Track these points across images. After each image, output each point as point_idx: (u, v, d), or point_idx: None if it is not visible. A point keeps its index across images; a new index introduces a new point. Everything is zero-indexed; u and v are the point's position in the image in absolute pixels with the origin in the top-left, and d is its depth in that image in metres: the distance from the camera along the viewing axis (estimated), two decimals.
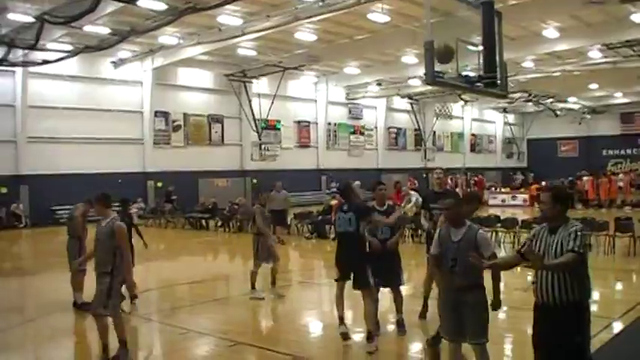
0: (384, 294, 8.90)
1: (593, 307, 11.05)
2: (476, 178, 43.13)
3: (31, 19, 23.02)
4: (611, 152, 55.73)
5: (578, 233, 5.03)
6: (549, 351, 5.26)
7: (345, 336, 8.43)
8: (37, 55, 26.38)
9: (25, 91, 28.80)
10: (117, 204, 9.93)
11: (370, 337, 8.03)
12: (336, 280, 8.37)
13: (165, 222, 28.83)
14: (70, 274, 10.87)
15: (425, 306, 9.55)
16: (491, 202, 36.52)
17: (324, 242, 21.10)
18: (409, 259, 12.58)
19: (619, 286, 13.41)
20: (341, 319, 8.45)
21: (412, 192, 22.70)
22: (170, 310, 10.60)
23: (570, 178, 40.70)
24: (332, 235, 21.32)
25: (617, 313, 9.88)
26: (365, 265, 8.13)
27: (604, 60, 32.45)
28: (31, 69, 27.90)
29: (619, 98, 49.17)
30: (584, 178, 34.08)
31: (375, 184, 9.18)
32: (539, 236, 5.27)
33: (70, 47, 27.07)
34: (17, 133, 28.77)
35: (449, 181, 42.59)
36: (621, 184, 33.96)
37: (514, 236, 18.16)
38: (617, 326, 9.16)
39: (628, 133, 54.23)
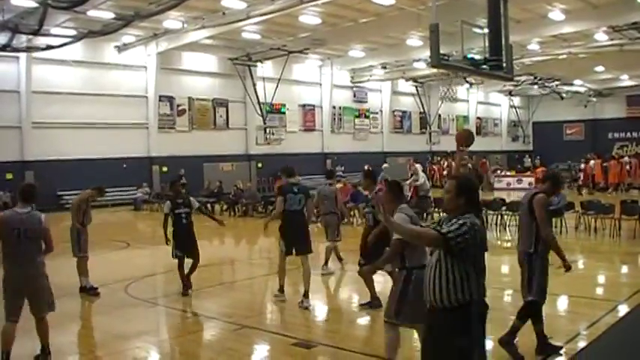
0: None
1: (599, 291, 11.14)
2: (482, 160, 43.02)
3: (34, 4, 22.93)
4: (617, 135, 55.47)
5: (461, 223, 4.44)
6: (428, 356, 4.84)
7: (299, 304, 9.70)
8: (41, 41, 26.31)
9: (30, 77, 28.77)
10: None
11: (306, 295, 9.68)
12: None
13: None
14: (76, 260, 10.95)
15: None
16: (496, 185, 36.46)
17: None
18: None
19: (624, 269, 13.41)
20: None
21: (418, 165, 23.05)
22: (176, 294, 10.62)
23: (571, 163, 40.80)
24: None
25: (623, 296, 9.89)
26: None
27: (610, 42, 32.23)
28: (35, 54, 27.85)
29: (625, 81, 48.88)
30: (592, 161, 33.93)
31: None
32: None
33: (73, 32, 26.98)
34: (22, 119, 28.77)
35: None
36: (628, 167, 33.74)
37: (519, 219, 18.16)
38: (623, 309, 9.16)
39: (634, 116, 53.90)
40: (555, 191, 7.50)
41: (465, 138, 8.85)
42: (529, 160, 50.79)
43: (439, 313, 4.58)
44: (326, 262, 12.48)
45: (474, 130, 54.12)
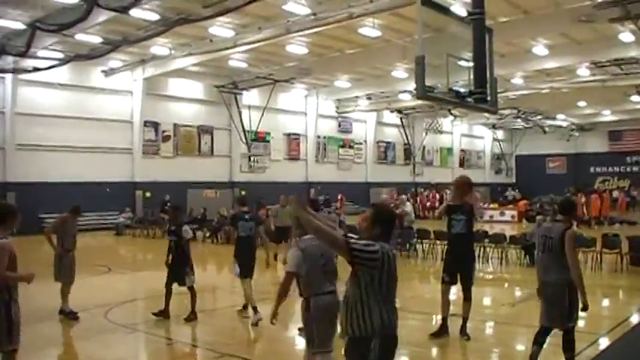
0: None
1: (580, 323, 11.16)
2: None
3: (22, 26, 23.01)
4: (599, 169, 56.10)
5: (371, 243, 4.37)
6: None
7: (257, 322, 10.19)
8: (28, 62, 26.37)
9: (15, 98, 28.69)
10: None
11: (255, 310, 10.37)
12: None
13: (153, 232, 28.69)
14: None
15: None
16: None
17: None
18: None
19: (606, 302, 13.45)
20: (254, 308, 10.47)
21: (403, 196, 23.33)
22: (156, 320, 10.53)
23: (553, 197, 40.98)
24: None
25: (604, 329, 9.92)
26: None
27: (592, 78, 32.70)
28: (22, 76, 27.88)
29: (607, 116, 49.57)
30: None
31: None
32: None
33: (61, 55, 27.04)
34: (6, 140, 28.60)
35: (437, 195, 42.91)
36: (618, 201, 34.00)
37: (502, 252, 18.25)
38: (604, 342, 9.19)
39: (616, 151, 54.64)
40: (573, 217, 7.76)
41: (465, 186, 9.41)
42: (512, 192, 51.03)
43: (347, 341, 4.54)
44: None
45: (457, 161, 54.68)
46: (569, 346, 7.27)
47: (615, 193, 35.61)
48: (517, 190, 51.47)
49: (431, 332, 9.52)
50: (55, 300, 10.81)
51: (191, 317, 10.61)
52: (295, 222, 6.84)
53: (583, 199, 32.65)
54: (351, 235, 4.50)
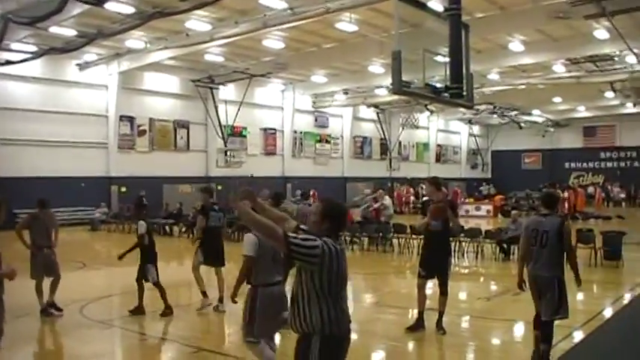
0: None
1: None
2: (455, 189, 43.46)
3: None
4: (573, 165, 56.69)
5: (312, 239, 4.25)
6: None
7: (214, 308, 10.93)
8: (1, 56, 26.01)
9: None
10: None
11: (221, 300, 10.81)
12: None
13: (129, 227, 28.50)
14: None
15: None
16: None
17: None
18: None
19: (580, 296, 13.55)
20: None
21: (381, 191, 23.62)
22: (131, 315, 10.46)
23: (529, 192, 41.38)
24: None
25: (579, 322, 9.99)
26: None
27: (568, 74, 33.02)
28: None
29: (582, 112, 50.03)
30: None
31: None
32: None
33: (34, 48, 26.75)
34: None
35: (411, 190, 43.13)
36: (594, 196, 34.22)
37: (477, 246, 18.36)
38: (578, 335, 9.27)
39: (590, 147, 55.24)
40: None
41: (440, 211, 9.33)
42: (487, 187, 51.27)
43: (299, 342, 4.46)
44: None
45: (433, 156, 54.93)
46: (546, 335, 7.47)
47: (590, 189, 35.82)
48: (491, 185, 51.75)
49: (407, 326, 9.55)
50: (31, 296, 10.67)
51: (166, 312, 10.57)
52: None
53: (565, 194, 33.01)
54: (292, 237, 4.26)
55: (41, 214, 11.17)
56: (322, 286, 4.29)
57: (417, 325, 9.47)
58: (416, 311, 9.64)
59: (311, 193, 37.86)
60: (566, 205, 32.24)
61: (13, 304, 10.59)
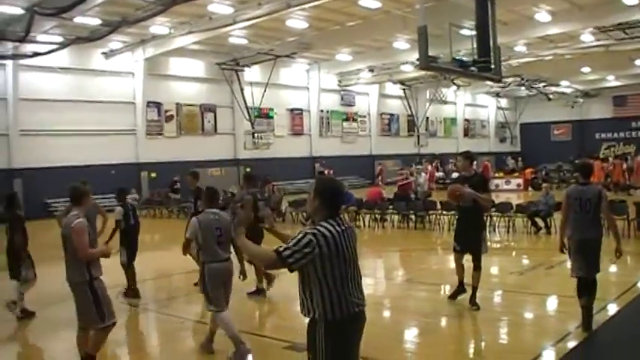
0: None
1: None
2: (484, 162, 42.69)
3: (20, 11, 22.88)
4: (604, 136, 55.79)
5: (302, 236, 4.24)
6: None
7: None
8: (28, 48, 26.25)
9: (17, 84, 28.59)
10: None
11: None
12: None
13: (160, 212, 28.81)
14: None
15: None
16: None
17: None
18: None
19: (613, 268, 13.43)
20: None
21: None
22: (167, 299, 10.59)
23: (560, 164, 40.82)
24: None
25: (613, 295, 9.92)
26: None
27: (596, 43, 32.44)
28: (22, 61, 27.74)
29: (611, 81, 49.19)
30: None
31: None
32: None
33: (60, 39, 26.91)
34: (9, 127, 28.56)
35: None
36: (611, 167, 33.60)
37: (509, 220, 18.26)
38: (613, 308, 9.20)
39: (621, 117, 54.25)
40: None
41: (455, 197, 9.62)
42: (512, 162, 50.27)
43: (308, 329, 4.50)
44: None
45: (461, 131, 54.58)
46: (593, 290, 8.14)
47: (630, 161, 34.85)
48: (518, 159, 50.64)
49: (449, 295, 9.90)
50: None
51: (129, 293, 10.78)
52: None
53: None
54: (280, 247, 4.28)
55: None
56: (324, 273, 4.29)
57: (459, 291, 9.68)
58: (448, 287, 9.70)
59: (325, 172, 38.29)
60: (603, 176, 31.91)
61: (47, 292, 10.80)
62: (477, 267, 9.41)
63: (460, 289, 9.66)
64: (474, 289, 9.39)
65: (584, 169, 8.60)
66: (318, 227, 4.30)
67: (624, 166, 33.26)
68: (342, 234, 4.36)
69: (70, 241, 6.60)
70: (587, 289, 8.04)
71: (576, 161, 34.56)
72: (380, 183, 35.42)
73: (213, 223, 7.48)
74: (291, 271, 4.27)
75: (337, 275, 4.32)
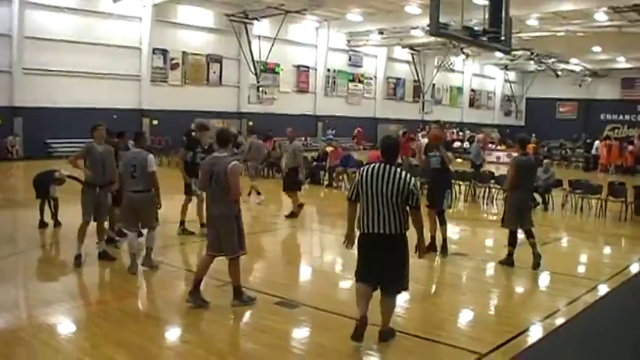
0: None
1: (581, 269, 11.23)
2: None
3: None
4: (609, 117, 55.46)
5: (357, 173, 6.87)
6: None
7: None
8: None
9: (22, 22, 28.20)
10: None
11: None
12: None
13: (159, 160, 28.74)
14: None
15: None
16: (488, 159, 36.48)
17: (318, 188, 21.19)
18: None
19: (607, 249, 13.50)
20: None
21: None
22: (161, 247, 10.58)
23: (563, 142, 40.63)
24: (326, 182, 21.62)
25: (604, 276, 9.97)
26: None
27: (609, 23, 32.06)
28: None
29: (621, 63, 48.78)
30: (596, 142, 34.19)
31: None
32: None
33: None
34: (13, 64, 28.25)
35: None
36: (630, 149, 33.46)
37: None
38: (603, 289, 9.24)
39: (628, 99, 53.92)
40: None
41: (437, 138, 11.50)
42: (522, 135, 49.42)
43: None
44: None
45: (467, 101, 54.30)
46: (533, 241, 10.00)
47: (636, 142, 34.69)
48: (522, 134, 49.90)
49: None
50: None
51: (57, 223, 12.28)
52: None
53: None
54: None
55: (98, 147, 9.97)
56: (359, 200, 6.46)
57: (430, 247, 10.06)
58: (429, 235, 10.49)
59: (355, 132, 39.31)
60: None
61: (38, 231, 10.81)
62: (442, 222, 10.96)
63: (431, 246, 10.44)
64: (444, 239, 10.93)
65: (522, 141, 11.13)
66: (368, 165, 6.55)
67: (630, 148, 33.17)
68: (373, 172, 6.36)
69: (223, 180, 7.36)
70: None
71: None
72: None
73: (129, 160, 9.56)
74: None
75: (364, 200, 6.46)
